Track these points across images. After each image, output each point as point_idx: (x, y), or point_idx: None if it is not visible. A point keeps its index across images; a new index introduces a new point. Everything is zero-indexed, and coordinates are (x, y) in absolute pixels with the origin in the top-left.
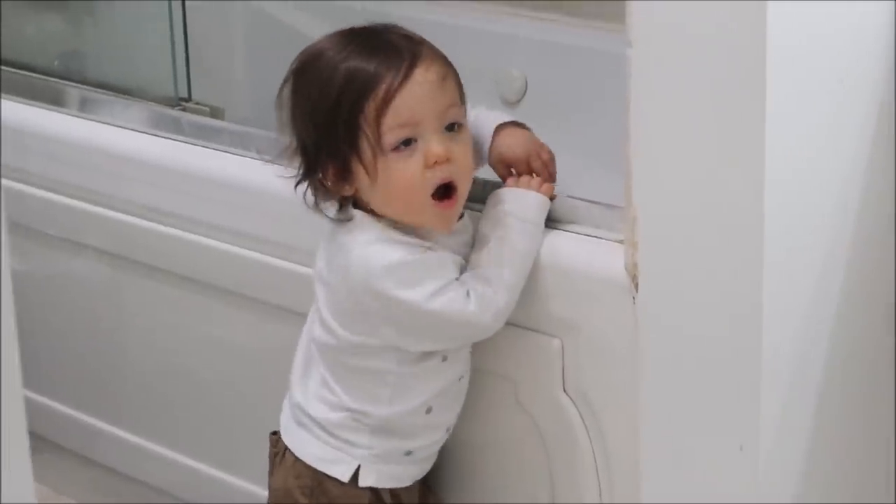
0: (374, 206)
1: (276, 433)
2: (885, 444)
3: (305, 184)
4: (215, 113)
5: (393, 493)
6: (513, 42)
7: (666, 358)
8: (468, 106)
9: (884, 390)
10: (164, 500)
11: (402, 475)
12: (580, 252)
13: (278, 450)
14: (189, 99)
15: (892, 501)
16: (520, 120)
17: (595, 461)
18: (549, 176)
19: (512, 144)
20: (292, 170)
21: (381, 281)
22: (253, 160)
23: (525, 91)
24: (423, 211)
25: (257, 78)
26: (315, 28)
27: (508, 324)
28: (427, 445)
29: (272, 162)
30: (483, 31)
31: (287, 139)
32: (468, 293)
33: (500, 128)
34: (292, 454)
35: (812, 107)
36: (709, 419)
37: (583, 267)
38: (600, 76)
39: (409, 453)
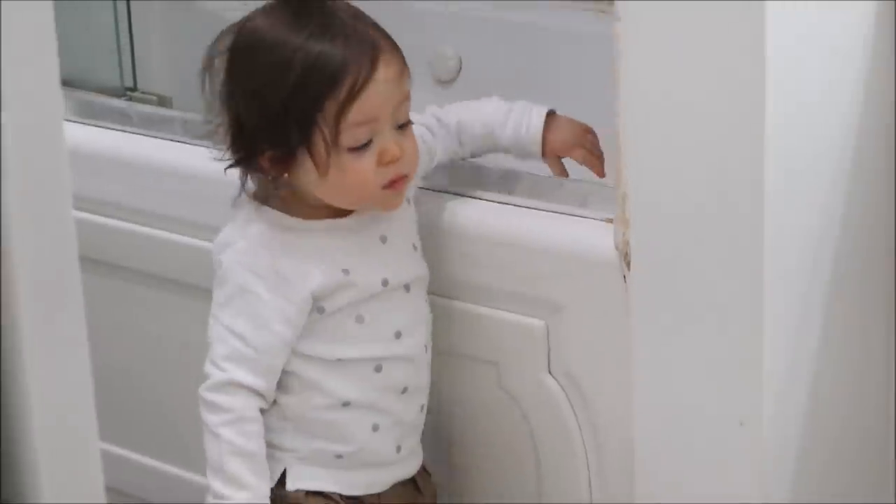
0: (315, 193)
1: None
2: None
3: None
4: (163, 102)
5: (353, 500)
6: (445, 20)
7: (661, 334)
8: (500, 103)
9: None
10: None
11: (345, 481)
12: (562, 232)
13: None
14: (135, 88)
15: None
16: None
17: (584, 442)
18: (599, 156)
19: (562, 140)
20: (221, 150)
21: (217, 251)
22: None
23: (459, 70)
24: (372, 198)
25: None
26: None
27: (489, 307)
28: (355, 451)
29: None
30: (414, 10)
31: (215, 118)
32: (222, 366)
33: (546, 125)
34: None
35: (812, 72)
36: (707, 395)
37: (566, 246)
38: (535, 52)
39: (339, 456)
